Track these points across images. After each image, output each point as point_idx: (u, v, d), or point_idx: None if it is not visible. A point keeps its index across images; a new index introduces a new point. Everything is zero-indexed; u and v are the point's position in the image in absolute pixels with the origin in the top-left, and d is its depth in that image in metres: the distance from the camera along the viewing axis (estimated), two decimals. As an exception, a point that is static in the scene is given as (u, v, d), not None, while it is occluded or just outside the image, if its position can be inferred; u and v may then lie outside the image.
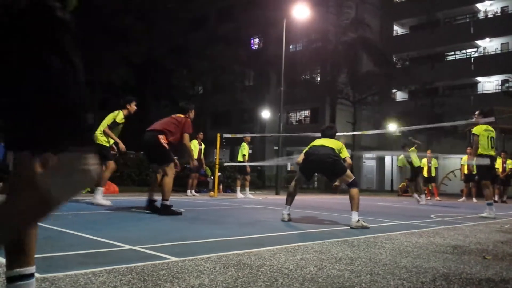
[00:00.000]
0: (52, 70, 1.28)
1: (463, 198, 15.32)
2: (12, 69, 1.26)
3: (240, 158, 11.94)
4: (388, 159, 36.36)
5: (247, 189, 12.19)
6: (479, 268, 2.89)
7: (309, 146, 5.95)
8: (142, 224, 4.87)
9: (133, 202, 7.83)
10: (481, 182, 8.13)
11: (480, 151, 7.82)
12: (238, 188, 12.16)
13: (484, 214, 7.50)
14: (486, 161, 7.78)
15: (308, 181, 6.16)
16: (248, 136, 12.22)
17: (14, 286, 1.47)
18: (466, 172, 15.29)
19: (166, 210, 5.89)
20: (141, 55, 25.63)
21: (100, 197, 7.00)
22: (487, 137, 7.89)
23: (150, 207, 6.21)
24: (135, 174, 14.03)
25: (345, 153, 5.79)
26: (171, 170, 6.07)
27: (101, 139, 7.15)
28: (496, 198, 14.57)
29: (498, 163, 14.83)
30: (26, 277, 1.49)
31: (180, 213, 5.96)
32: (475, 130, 8.01)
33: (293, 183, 5.91)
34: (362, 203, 11.39)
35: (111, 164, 7.24)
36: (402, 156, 12.90)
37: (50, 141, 1.28)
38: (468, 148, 14.99)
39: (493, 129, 8.12)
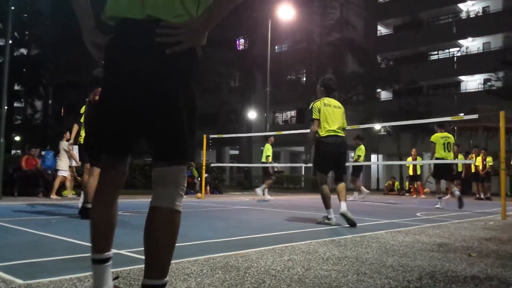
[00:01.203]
0: (195, 96, 1.66)
1: (448, 196, 15.48)
2: (169, 94, 1.59)
3: (263, 159, 11.76)
4: (374, 158, 36.61)
5: (262, 189, 11.90)
6: (464, 266, 2.92)
7: (321, 110, 5.48)
8: (128, 227, 4.82)
9: (119, 205, 7.75)
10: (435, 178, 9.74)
11: (436, 155, 9.32)
12: (266, 190, 11.90)
13: (438, 206, 9.22)
14: (446, 162, 9.28)
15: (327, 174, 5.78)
16: (272, 137, 12.01)
17: (104, 267, 1.87)
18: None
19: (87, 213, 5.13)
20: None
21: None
22: (443, 144, 9.38)
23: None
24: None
25: (345, 123, 5.68)
26: (95, 171, 5.21)
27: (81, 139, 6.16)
28: (482, 196, 14.75)
29: (478, 161, 15.06)
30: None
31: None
32: (432, 138, 9.59)
33: (324, 186, 5.54)
34: (349, 202, 11.45)
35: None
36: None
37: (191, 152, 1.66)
38: (454, 147, 15.19)
39: (450, 136, 9.57)
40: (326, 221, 5.41)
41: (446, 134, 9.54)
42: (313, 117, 5.52)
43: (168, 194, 1.62)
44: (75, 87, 28.99)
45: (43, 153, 11.43)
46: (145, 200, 7.57)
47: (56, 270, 2.51)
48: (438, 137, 9.45)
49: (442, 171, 9.56)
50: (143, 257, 2.92)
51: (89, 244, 3.39)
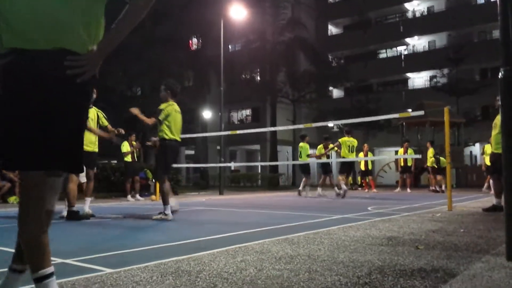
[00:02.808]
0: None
1: (399, 189, 16.02)
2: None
3: (304, 158, 12.53)
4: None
5: (308, 188, 13.02)
6: (412, 259, 3.00)
7: (171, 115, 6.03)
8: (76, 234, 4.65)
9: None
10: (342, 174, 12.18)
11: (342, 154, 12.04)
12: (307, 187, 12.95)
13: (338, 191, 11.82)
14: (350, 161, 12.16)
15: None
16: (307, 136, 12.83)
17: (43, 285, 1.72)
18: (402, 164, 16.02)
19: (74, 216, 5.96)
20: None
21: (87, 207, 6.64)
22: (348, 146, 12.04)
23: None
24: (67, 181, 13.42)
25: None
26: (73, 176, 6.04)
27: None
28: (437, 188, 15.30)
29: (430, 155, 15.70)
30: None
31: (88, 218, 6.12)
32: (340, 140, 12.24)
33: (167, 183, 6.07)
34: (304, 199, 11.60)
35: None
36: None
37: None
38: (406, 143, 15.76)
39: (354, 140, 12.23)
40: (163, 216, 5.83)
41: (351, 138, 12.17)
42: (160, 118, 5.98)
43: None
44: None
45: None
46: (96, 205, 7.40)
47: (-5, 285, 2.36)
48: (344, 140, 12.09)
49: (346, 167, 12.24)
50: (90, 265, 2.83)
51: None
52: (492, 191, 13.27)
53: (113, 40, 1.78)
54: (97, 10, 1.78)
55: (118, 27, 1.76)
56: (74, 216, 5.95)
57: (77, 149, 1.74)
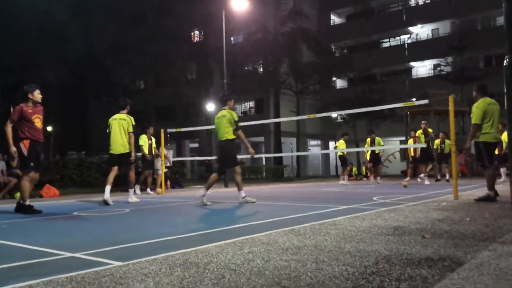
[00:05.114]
0: None
1: (418, 179, 15.83)
2: None
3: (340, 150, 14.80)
4: (332, 145, 37.16)
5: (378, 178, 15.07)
6: (418, 248, 3.01)
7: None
8: (85, 229, 4.68)
9: (75, 205, 7.53)
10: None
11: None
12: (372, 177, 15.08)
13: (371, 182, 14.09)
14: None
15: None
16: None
17: None
18: (412, 154, 15.89)
19: (26, 210, 6.23)
20: (78, 52, 24.63)
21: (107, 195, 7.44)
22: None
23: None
24: (76, 175, 13.50)
25: (229, 126, 7.19)
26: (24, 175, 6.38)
27: None
28: (440, 177, 15.23)
29: (436, 144, 15.65)
30: None
31: (40, 212, 6.26)
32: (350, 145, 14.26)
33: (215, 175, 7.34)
34: (309, 190, 11.62)
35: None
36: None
37: None
38: (412, 131, 15.67)
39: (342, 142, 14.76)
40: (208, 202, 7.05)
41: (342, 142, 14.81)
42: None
43: None
44: (19, 86, 27.97)
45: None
46: (100, 199, 7.44)
47: (5, 279, 2.39)
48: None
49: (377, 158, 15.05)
50: (99, 259, 2.86)
51: (42, 248, 3.27)
52: (502, 178, 13.22)
53: None
54: None
55: None
56: (25, 210, 6.25)
57: None
